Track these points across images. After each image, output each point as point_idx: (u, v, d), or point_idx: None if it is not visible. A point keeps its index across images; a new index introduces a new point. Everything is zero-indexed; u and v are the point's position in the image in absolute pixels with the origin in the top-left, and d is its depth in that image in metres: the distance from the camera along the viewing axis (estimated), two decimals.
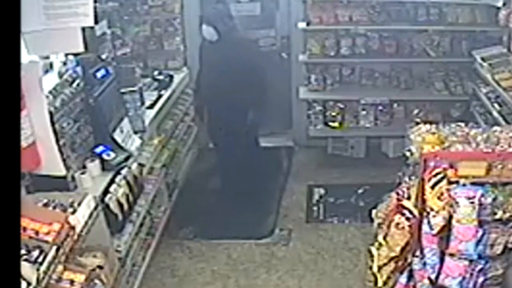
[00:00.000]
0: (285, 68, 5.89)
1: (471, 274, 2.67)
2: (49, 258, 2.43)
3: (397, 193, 2.94)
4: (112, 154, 3.51)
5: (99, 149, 3.49)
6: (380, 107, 5.55)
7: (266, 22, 5.80)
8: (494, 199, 2.57)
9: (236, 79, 4.42)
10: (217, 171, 5.23)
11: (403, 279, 2.94)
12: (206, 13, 4.70)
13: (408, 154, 2.82)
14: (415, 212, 2.75)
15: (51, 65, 3.42)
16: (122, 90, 3.95)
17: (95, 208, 2.97)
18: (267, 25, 5.81)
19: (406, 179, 2.97)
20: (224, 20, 4.49)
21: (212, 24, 4.43)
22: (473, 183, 2.59)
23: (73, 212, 2.76)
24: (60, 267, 2.60)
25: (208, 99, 4.83)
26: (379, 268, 3.01)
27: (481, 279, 2.69)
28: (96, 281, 2.86)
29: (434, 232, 2.62)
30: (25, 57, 2.52)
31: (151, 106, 4.51)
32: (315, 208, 5.00)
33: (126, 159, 3.61)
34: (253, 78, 4.49)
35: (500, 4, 4.48)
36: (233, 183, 4.96)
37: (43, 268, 2.39)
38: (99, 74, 3.62)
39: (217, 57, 4.49)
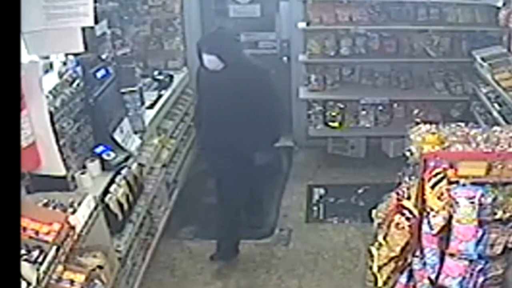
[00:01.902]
0: (285, 69, 5.88)
1: (471, 274, 2.67)
2: (49, 258, 2.44)
3: (397, 193, 2.94)
4: (112, 154, 3.51)
5: (99, 149, 3.49)
6: (380, 107, 5.55)
7: (266, 25, 5.79)
8: (494, 199, 2.57)
9: (247, 115, 3.76)
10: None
11: (403, 279, 2.93)
12: (205, 40, 3.88)
13: (408, 154, 2.82)
14: (415, 212, 2.75)
15: (51, 65, 3.41)
16: (122, 90, 3.95)
17: (95, 208, 2.97)
18: (267, 27, 5.80)
19: (406, 179, 2.97)
20: (230, 45, 3.80)
21: (215, 53, 3.66)
22: (473, 183, 2.59)
23: (73, 212, 2.76)
24: (60, 267, 2.60)
25: (211, 137, 4.04)
26: (379, 268, 3.01)
27: (481, 279, 2.69)
28: (96, 281, 2.86)
29: (434, 232, 2.62)
30: (25, 57, 2.52)
31: (151, 106, 4.51)
32: (315, 208, 5.00)
33: (126, 159, 3.61)
34: (267, 113, 3.80)
35: (500, 4, 4.49)
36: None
37: (43, 268, 2.39)
38: (99, 74, 3.63)
39: (223, 89, 3.75)
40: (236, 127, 3.79)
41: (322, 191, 5.24)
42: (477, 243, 2.60)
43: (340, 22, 5.31)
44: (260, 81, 3.81)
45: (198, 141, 4.71)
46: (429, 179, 2.61)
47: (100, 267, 2.99)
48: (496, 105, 4.49)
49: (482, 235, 2.60)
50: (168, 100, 4.84)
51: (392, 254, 2.91)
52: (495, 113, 4.45)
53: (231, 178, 4.05)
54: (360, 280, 3.85)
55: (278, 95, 4.04)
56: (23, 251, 2.38)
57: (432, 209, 2.59)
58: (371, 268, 3.11)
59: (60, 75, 3.43)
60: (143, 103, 4.31)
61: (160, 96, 4.77)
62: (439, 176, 2.60)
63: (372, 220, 3.26)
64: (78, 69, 3.52)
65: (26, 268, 2.30)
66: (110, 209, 3.30)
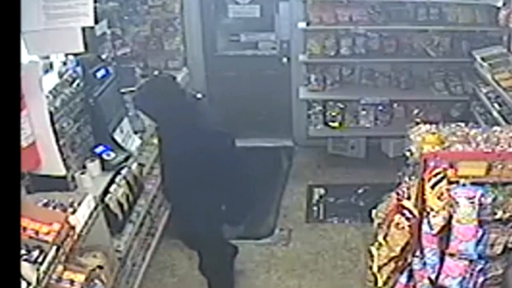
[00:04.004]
0: (285, 69, 5.89)
1: (471, 274, 2.67)
2: (49, 258, 2.44)
3: (397, 193, 2.94)
4: (112, 154, 3.51)
5: (99, 149, 3.49)
6: (380, 107, 5.55)
7: (266, 25, 5.78)
8: (494, 199, 2.57)
9: (201, 182, 3.18)
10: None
11: (403, 279, 2.93)
12: (138, 96, 3.27)
13: (408, 154, 2.82)
14: (415, 212, 2.75)
15: (51, 65, 3.42)
16: (122, 90, 3.95)
17: (95, 208, 2.97)
18: (267, 28, 5.79)
19: (406, 179, 2.96)
20: (169, 104, 3.04)
21: (148, 114, 3.13)
22: (473, 183, 2.59)
23: (73, 212, 2.76)
24: (60, 267, 2.60)
25: (176, 203, 3.58)
26: (379, 268, 3.01)
27: (481, 279, 2.69)
28: (96, 281, 2.86)
29: (434, 232, 2.62)
30: (25, 57, 2.52)
31: None
32: (315, 208, 5.00)
33: (126, 159, 3.61)
34: (226, 186, 3.21)
35: (500, 4, 4.48)
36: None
37: (43, 268, 2.39)
38: (99, 74, 3.63)
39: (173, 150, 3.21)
40: (195, 196, 3.23)
41: (322, 191, 5.23)
42: (477, 243, 2.60)
43: (340, 22, 5.31)
44: (209, 147, 3.06)
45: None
46: (429, 179, 2.61)
47: (100, 267, 2.99)
48: (496, 105, 4.49)
49: (482, 235, 2.60)
50: None
51: (392, 254, 2.91)
52: (495, 113, 4.45)
53: (203, 251, 3.66)
54: (360, 280, 3.85)
55: (238, 159, 3.27)
56: (23, 251, 2.38)
57: (432, 209, 2.59)
58: (371, 268, 3.11)
59: (60, 75, 3.44)
60: None
61: None
62: (439, 176, 2.60)
63: (372, 220, 3.27)
64: (78, 69, 3.53)
65: (26, 268, 2.30)
66: (110, 209, 3.30)
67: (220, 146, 3.12)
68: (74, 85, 3.45)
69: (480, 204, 2.54)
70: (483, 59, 4.77)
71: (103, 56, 4.05)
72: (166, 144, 3.20)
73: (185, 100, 3.15)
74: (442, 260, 2.69)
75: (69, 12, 2.50)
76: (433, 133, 2.80)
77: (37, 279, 2.33)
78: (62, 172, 2.84)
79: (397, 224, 2.83)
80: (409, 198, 2.86)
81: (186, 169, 3.16)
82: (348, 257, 4.27)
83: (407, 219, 2.79)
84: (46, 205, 2.83)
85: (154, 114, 3.10)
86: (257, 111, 6.00)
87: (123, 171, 3.53)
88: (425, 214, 2.67)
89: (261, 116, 6.03)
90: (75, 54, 3.44)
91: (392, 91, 5.54)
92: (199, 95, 3.33)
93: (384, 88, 5.61)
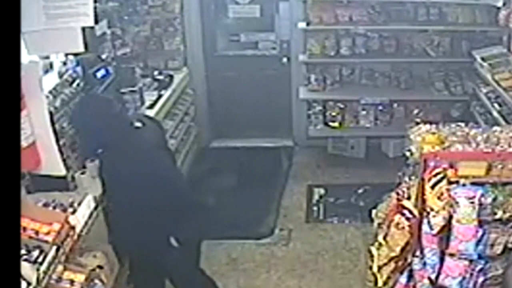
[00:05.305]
0: (285, 69, 5.89)
1: (471, 274, 2.67)
2: (49, 258, 2.44)
3: (397, 193, 2.94)
4: None
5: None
6: (380, 107, 5.55)
7: (266, 25, 5.78)
8: (494, 199, 2.58)
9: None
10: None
11: (403, 279, 2.94)
12: (72, 115, 3.02)
13: (408, 154, 2.82)
14: (415, 212, 2.75)
15: (51, 65, 3.42)
16: (122, 90, 3.95)
17: (95, 208, 2.97)
18: (267, 28, 5.79)
19: (406, 179, 2.97)
20: (98, 128, 2.76)
21: (81, 135, 2.93)
22: (473, 183, 2.59)
23: (73, 212, 2.76)
24: (60, 267, 2.60)
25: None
26: (379, 268, 3.01)
27: (481, 279, 2.69)
28: (96, 281, 2.86)
29: (434, 232, 2.62)
30: (25, 57, 2.52)
31: (151, 106, 4.51)
32: (315, 208, 5.00)
33: None
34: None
35: (500, 4, 4.48)
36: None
37: (43, 268, 2.39)
38: (99, 74, 3.63)
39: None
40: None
41: (322, 191, 5.23)
42: (477, 243, 2.60)
43: (340, 22, 5.31)
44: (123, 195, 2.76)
45: None
46: (429, 179, 2.62)
47: (100, 267, 2.99)
48: (496, 105, 4.49)
49: (482, 235, 2.61)
50: (168, 100, 4.84)
51: (392, 254, 2.91)
52: (495, 113, 4.45)
53: None
54: (360, 280, 3.85)
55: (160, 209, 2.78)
56: (23, 251, 2.38)
57: (432, 209, 2.59)
58: (371, 268, 3.12)
59: (60, 75, 3.44)
60: (143, 103, 4.31)
61: (160, 96, 4.77)
62: (439, 176, 2.60)
63: (372, 220, 3.27)
64: (78, 69, 3.53)
65: (26, 268, 2.30)
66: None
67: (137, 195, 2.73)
68: (74, 85, 3.45)
69: (480, 204, 2.55)
70: (483, 59, 4.77)
71: (103, 56, 4.05)
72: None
73: (115, 127, 2.81)
74: (442, 260, 2.70)
75: (69, 12, 2.50)
76: (433, 133, 2.80)
77: (37, 279, 2.33)
78: (62, 172, 2.83)
79: (397, 224, 2.83)
80: (409, 198, 2.86)
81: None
82: (348, 257, 4.26)
83: (407, 219, 2.79)
84: (46, 205, 2.83)
85: (86, 135, 2.90)
86: (257, 111, 6.00)
87: None
88: (425, 214, 2.68)
89: (261, 116, 6.03)
90: (75, 54, 3.44)
91: (392, 91, 5.54)
92: (138, 124, 2.92)
93: (384, 88, 5.61)
